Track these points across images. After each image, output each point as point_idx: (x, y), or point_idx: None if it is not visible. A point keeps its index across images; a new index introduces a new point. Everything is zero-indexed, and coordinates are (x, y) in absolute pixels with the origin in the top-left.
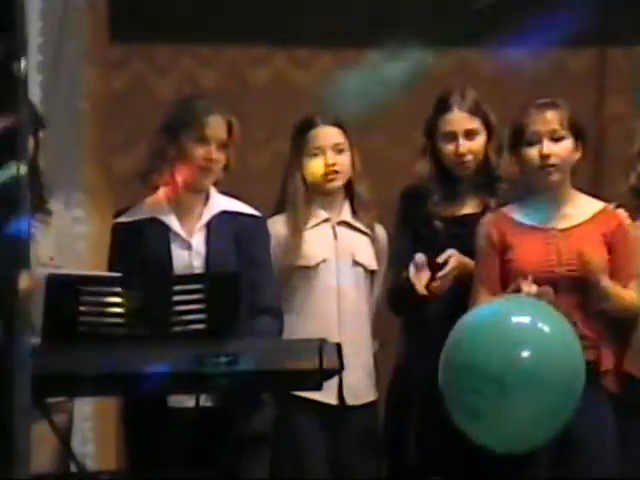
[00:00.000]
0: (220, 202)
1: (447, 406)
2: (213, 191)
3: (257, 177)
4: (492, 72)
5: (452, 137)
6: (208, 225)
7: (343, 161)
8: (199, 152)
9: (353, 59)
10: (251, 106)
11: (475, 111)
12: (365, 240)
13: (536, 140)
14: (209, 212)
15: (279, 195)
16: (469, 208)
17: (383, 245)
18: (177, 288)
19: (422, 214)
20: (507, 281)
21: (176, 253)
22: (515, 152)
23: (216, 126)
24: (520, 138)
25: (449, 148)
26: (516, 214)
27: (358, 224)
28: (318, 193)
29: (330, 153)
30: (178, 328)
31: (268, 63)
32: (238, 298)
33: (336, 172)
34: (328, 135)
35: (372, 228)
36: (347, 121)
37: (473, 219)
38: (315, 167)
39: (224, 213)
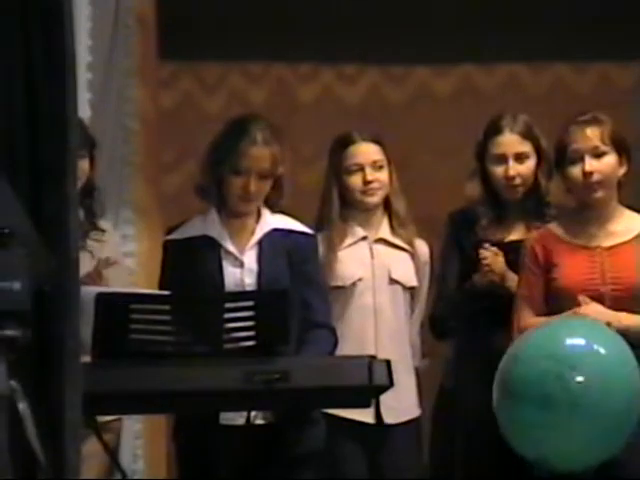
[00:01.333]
0: (272, 220)
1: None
2: (265, 209)
3: (307, 194)
4: (541, 89)
5: (502, 160)
6: (260, 243)
7: (381, 177)
8: (237, 183)
9: (400, 75)
10: (300, 123)
11: (526, 134)
12: (404, 256)
13: (578, 158)
14: (261, 230)
15: (318, 213)
16: (517, 234)
17: (425, 260)
18: (227, 305)
19: (471, 238)
20: (551, 300)
21: (228, 271)
22: (560, 171)
23: (256, 158)
24: (563, 157)
25: (499, 171)
26: (561, 231)
27: (397, 240)
28: (356, 210)
29: (369, 169)
30: (229, 345)
31: (316, 79)
32: (287, 315)
33: (375, 188)
34: (367, 152)
35: (411, 243)
36: (392, 138)
37: (519, 246)
38: (353, 183)
39: (276, 231)
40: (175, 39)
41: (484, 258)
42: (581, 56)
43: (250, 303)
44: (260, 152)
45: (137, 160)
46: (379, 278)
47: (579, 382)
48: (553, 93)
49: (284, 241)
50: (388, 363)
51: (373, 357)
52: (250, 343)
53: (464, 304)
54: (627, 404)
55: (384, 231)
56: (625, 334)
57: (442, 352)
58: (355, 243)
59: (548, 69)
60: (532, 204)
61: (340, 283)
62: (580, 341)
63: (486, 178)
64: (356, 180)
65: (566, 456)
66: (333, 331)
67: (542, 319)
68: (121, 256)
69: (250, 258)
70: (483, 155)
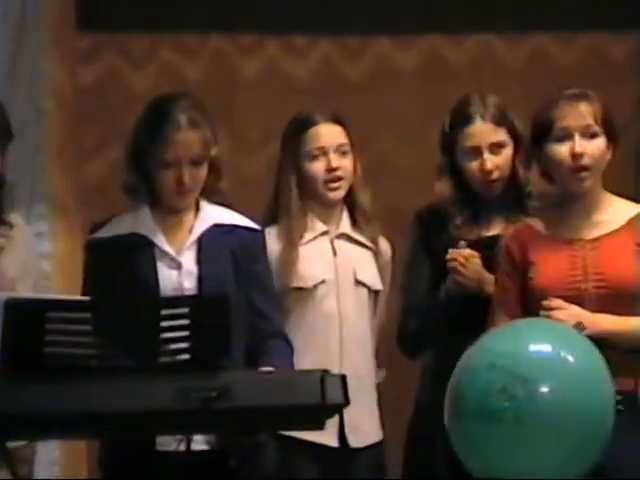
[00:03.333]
0: (212, 214)
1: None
2: (204, 202)
3: (251, 184)
4: (519, 62)
5: (475, 153)
6: (199, 241)
7: (346, 164)
8: (168, 176)
9: (356, 47)
10: (242, 102)
11: (500, 120)
12: (368, 255)
13: (566, 136)
14: (200, 226)
15: (270, 204)
16: (496, 229)
17: (387, 259)
18: (162, 313)
19: (443, 239)
20: (528, 304)
21: (163, 273)
22: (540, 151)
23: (184, 145)
24: (546, 134)
25: (473, 166)
26: (541, 225)
27: (359, 237)
28: (315, 201)
29: (333, 155)
30: (164, 359)
31: (260, 52)
32: (229, 323)
33: (339, 178)
34: (330, 134)
35: (375, 241)
36: (348, 119)
37: (497, 239)
38: (315, 171)
39: (217, 226)
40: (96, 6)
41: (452, 260)
42: (565, 25)
43: (184, 310)
44: (188, 137)
45: (52, 146)
46: (343, 279)
47: (528, 394)
48: (532, 67)
49: (227, 238)
50: (343, 378)
51: (326, 371)
52: (185, 356)
53: (438, 315)
54: (584, 421)
55: (345, 225)
56: (605, 339)
57: (400, 363)
58: (315, 239)
59: (526, 39)
60: (511, 197)
61: (302, 284)
62: (533, 347)
63: (457, 174)
64: (318, 167)
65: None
66: (288, 340)
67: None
68: (34, 257)
69: (188, 258)
70: (451, 148)
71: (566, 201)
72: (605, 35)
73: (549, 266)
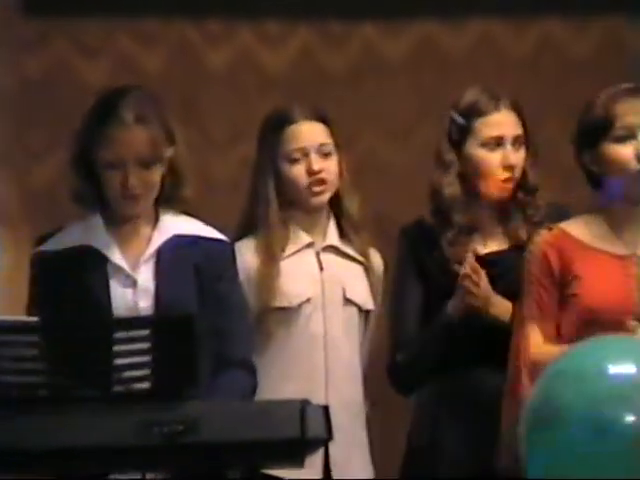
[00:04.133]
0: (173, 224)
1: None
2: (165, 211)
3: (221, 190)
4: (524, 50)
5: (496, 144)
6: (158, 254)
7: (330, 167)
8: (113, 179)
9: (339, 35)
10: (209, 97)
11: (519, 113)
12: (358, 270)
13: (629, 136)
14: (159, 237)
15: (245, 213)
16: (495, 244)
17: (379, 275)
18: (116, 336)
19: (434, 258)
20: (567, 325)
21: (117, 291)
22: (591, 151)
23: (129, 143)
24: (602, 134)
25: (491, 158)
26: (582, 234)
27: (348, 249)
28: (298, 210)
29: (314, 157)
30: (119, 388)
31: (229, 40)
32: (194, 347)
33: (323, 182)
34: (311, 133)
35: (366, 254)
36: (331, 115)
37: (503, 258)
38: (295, 175)
39: (179, 238)
40: None
41: (466, 276)
42: (577, 9)
43: (144, 332)
44: (133, 135)
45: None
46: (331, 297)
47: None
48: (540, 57)
49: (190, 251)
50: (326, 410)
51: (306, 401)
52: (145, 385)
53: (434, 348)
54: None
55: (332, 236)
56: None
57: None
58: (299, 251)
59: (533, 25)
60: (514, 205)
61: (285, 303)
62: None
63: (463, 173)
64: (298, 171)
65: None
66: (252, 371)
67: (561, 348)
68: None
69: (145, 274)
70: (461, 141)
71: (613, 209)
72: (622, 21)
73: (599, 283)
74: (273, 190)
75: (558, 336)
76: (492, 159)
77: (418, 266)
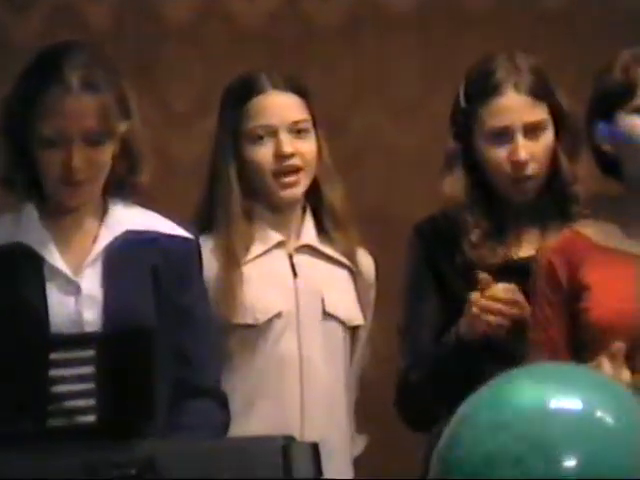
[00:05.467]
0: (126, 217)
1: None
2: (114, 200)
3: (181, 174)
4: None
5: (504, 137)
6: (107, 255)
7: (305, 150)
8: (52, 159)
9: None
10: (169, 57)
11: (539, 91)
12: (342, 276)
13: None
14: (108, 233)
15: (202, 204)
16: (530, 247)
17: (370, 282)
18: (53, 357)
19: (453, 262)
20: (579, 343)
21: (55, 300)
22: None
23: (75, 114)
24: (619, 105)
25: (499, 155)
26: (597, 233)
27: (329, 250)
28: (266, 204)
29: (285, 136)
30: (58, 421)
31: None
32: (151, 371)
33: (296, 169)
34: (282, 107)
35: (352, 255)
36: (317, 85)
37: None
38: (260, 159)
39: (132, 234)
40: None
41: (476, 304)
42: None
43: (88, 353)
44: (80, 104)
45: None
46: (307, 310)
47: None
48: (578, 9)
49: (147, 251)
50: (314, 447)
51: (291, 438)
52: (90, 418)
53: (455, 369)
54: None
55: (309, 234)
56: None
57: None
58: (267, 253)
59: None
60: (550, 201)
61: (249, 320)
62: (558, 403)
63: (474, 166)
64: (263, 154)
65: None
66: (223, 402)
67: None
68: None
69: (91, 279)
70: (467, 129)
71: (630, 201)
72: None
73: (612, 292)
74: (235, 177)
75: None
76: (498, 156)
77: (433, 271)
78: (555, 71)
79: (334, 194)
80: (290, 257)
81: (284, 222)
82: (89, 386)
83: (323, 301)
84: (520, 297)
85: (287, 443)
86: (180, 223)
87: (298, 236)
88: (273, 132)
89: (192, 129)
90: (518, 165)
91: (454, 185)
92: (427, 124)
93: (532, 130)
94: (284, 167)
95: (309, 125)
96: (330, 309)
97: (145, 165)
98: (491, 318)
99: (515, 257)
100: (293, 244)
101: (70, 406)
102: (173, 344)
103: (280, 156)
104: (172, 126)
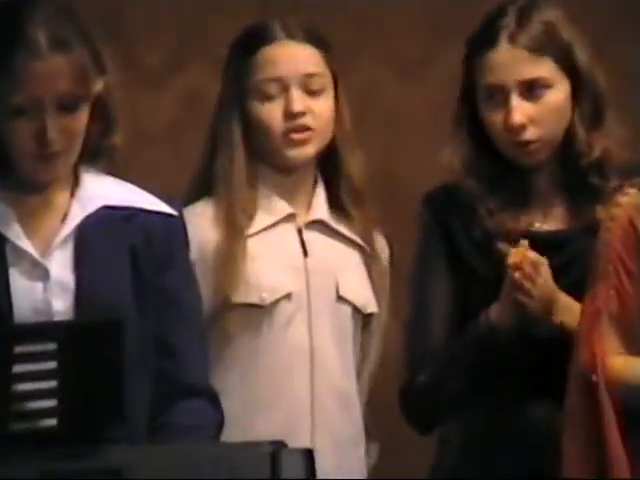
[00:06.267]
0: (100, 190)
1: None
2: (87, 172)
3: (153, 139)
4: None
5: (499, 96)
6: (79, 233)
7: (321, 109)
8: (22, 131)
9: None
10: (135, 4)
11: (543, 44)
12: (356, 258)
13: None
14: (80, 209)
15: (200, 169)
16: (556, 222)
17: (385, 266)
18: (18, 350)
19: (471, 234)
20: None
21: (19, 285)
22: None
23: (45, 78)
24: None
25: (495, 118)
26: None
27: (343, 228)
28: (272, 168)
29: (296, 92)
30: (21, 424)
31: None
32: (122, 368)
33: (307, 128)
34: (294, 58)
35: (369, 237)
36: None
37: (571, 239)
38: (268, 116)
39: (109, 210)
40: None
41: (516, 267)
42: None
43: (51, 346)
44: (51, 66)
45: None
46: (319, 294)
47: None
48: None
49: (124, 229)
50: (306, 454)
51: (280, 443)
52: (52, 422)
53: (470, 365)
54: None
55: (320, 208)
56: None
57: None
58: (274, 226)
59: None
60: (571, 170)
61: (254, 299)
62: None
63: (480, 130)
64: (271, 111)
65: None
66: (215, 398)
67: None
68: None
69: (61, 262)
70: (471, 87)
71: None
72: None
73: None
74: (240, 137)
75: None
76: (494, 118)
77: (449, 248)
78: None
79: (354, 165)
80: (299, 233)
81: (293, 191)
82: (51, 384)
83: (337, 284)
84: (548, 275)
85: (275, 450)
86: (161, 197)
87: (308, 210)
88: (284, 87)
89: (165, 87)
90: (512, 129)
91: (454, 154)
92: (435, 80)
93: (530, 89)
94: (293, 125)
95: (326, 81)
96: (345, 293)
97: (119, 126)
98: (528, 284)
99: (540, 230)
100: (303, 218)
101: (35, 407)
102: (156, 335)
103: (290, 114)
104: (141, 84)
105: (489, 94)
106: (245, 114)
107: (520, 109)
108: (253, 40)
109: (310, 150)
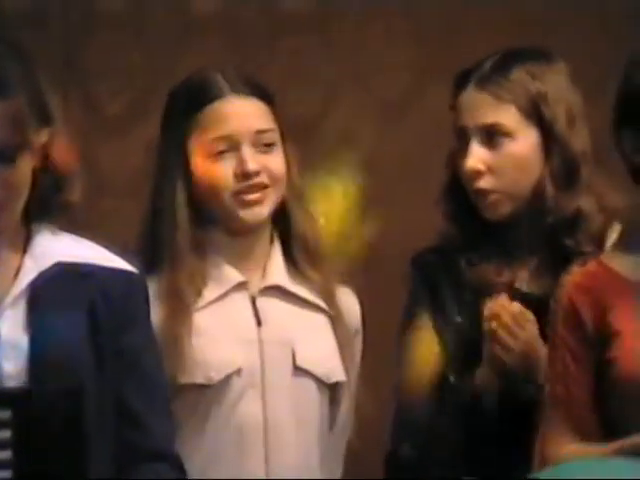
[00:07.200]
0: (54, 247)
1: None
2: (39, 228)
3: (114, 192)
4: None
5: (463, 140)
6: (32, 292)
7: (274, 166)
8: None
9: None
10: (99, 45)
11: (508, 90)
12: (318, 322)
13: None
14: (33, 266)
15: (142, 236)
16: (539, 282)
17: (356, 328)
18: None
19: (460, 295)
20: (609, 404)
21: None
22: (635, 135)
23: None
24: None
25: (460, 162)
26: (629, 267)
27: (301, 290)
28: (222, 231)
29: (248, 150)
30: None
31: None
32: (82, 436)
33: (263, 187)
34: (244, 114)
35: (330, 297)
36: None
37: (545, 302)
38: (219, 178)
39: (62, 267)
40: None
41: (492, 317)
42: None
43: (4, 415)
44: None
45: None
46: (274, 366)
47: None
48: None
49: (81, 287)
50: None
51: None
52: None
53: (455, 434)
54: None
55: (277, 272)
56: None
57: None
58: (224, 296)
59: None
60: (539, 228)
61: (200, 379)
62: None
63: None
64: (222, 171)
65: None
66: (178, 463)
67: (589, 448)
68: None
69: (12, 323)
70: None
71: None
72: None
73: None
74: (183, 200)
75: (600, 426)
76: (460, 163)
77: (438, 312)
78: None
79: (306, 223)
80: (253, 301)
81: (246, 256)
82: (5, 455)
83: (294, 353)
84: (535, 331)
85: None
86: (120, 253)
87: (263, 275)
88: (233, 145)
89: (128, 137)
90: (466, 174)
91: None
92: (417, 126)
93: (490, 136)
94: (247, 186)
95: (276, 136)
96: (302, 363)
97: (74, 181)
98: (507, 338)
99: (522, 289)
100: (257, 284)
101: None
102: (116, 399)
103: (243, 174)
104: (103, 133)
105: (457, 138)
106: (188, 174)
107: (476, 155)
108: (196, 95)
109: (265, 210)
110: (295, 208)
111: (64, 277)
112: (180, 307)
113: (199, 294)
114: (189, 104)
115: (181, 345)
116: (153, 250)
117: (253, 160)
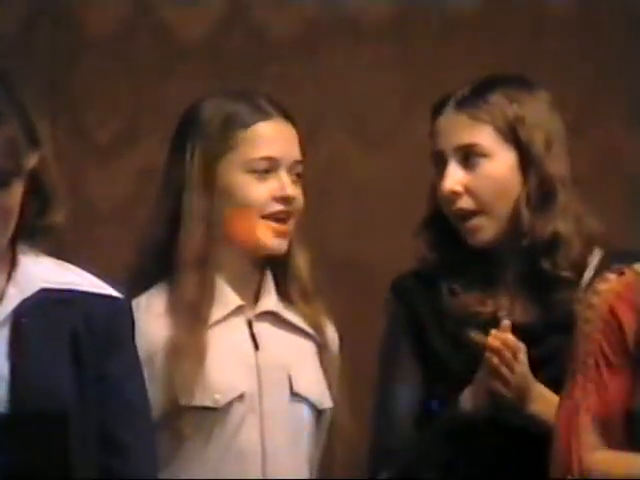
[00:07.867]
0: (39, 272)
1: None
2: (24, 252)
3: (110, 217)
4: None
5: (441, 163)
6: (16, 319)
7: (299, 199)
8: None
9: None
10: (87, 72)
11: (485, 111)
12: (310, 348)
13: None
14: (17, 293)
15: (154, 247)
16: (524, 311)
17: (334, 355)
18: None
19: (443, 324)
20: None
21: None
22: None
23: None
24: None
25: (437, 184)
26: None
27: (294, 318)
28: (231, 252)
29: (287, 176)
30: None
31: None
32: (69, 463)
33: (290, 215)
34: (288, 140)
35: (318, 326)
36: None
37: (547, 333)
38: (257, 200)
39: (47, 294)
40: None
41: (494, 350)
42: None
43: None
44: None
45: None
46: (271, 391)
47: None
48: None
49: (65, 313)
50: None
51: None
52: None
53: (439, 457)
54: None
55: (269, 298)
56: None
57: None
58: (226, 318)
59: None
60: (518, 253)
61: (207, 402)
62: None
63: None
64: (260, 191)
65: None
66: None
67: (625, 455)
68: None
69: None
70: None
71: None
72: None
73: None
74: (203, 213)
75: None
76: (439, 186)
77: (418, 339)
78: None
79: (301, 256)
80: (249, 325)
81: (243, 280)
82: None
83: (290, 379)
84: (525, 362)
85: None
86: (106, 280)
87: (256, 300)
88: (274, 168)
89: (115, 164)
90: (444, 196)
91: (422, 231)
92: (404, 154)
93: (467, 156)
94: (280, 212)
95: (301, 170)
96: (299, 389)
97: (60, 204)
98: (507, 373)
99: (507, 319)
100: (252, 309)
101: None
102: (98, 425)
103: (283, 198)
104: (91, 160)
105: (435, 163)
106: (213, 189)
107: (453, 176)
108: (240, 114)
109: (286, 244)
110: (294, 244)
111: (48, 304)
112: (197, 321)
113: (209, 313)
114: (230, 121)
115: (197, 362)
116: (163, 264)
117: (291, 187)
